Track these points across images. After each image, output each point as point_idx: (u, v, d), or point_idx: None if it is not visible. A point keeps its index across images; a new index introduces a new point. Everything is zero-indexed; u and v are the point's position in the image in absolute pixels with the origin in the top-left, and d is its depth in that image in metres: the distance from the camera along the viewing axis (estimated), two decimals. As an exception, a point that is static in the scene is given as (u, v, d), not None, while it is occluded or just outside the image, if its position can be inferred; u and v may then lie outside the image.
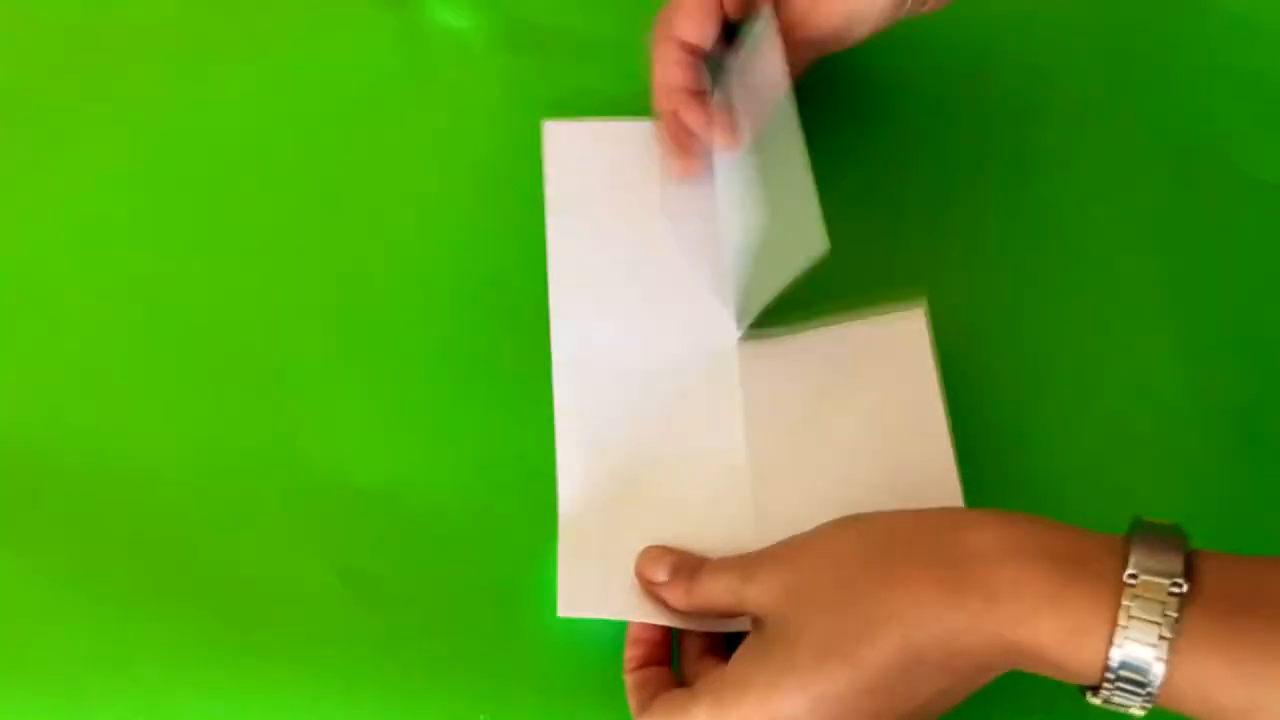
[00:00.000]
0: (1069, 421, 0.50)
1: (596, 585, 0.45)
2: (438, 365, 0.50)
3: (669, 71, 0.50)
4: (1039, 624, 0.35)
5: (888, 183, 0.55)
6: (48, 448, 0.48)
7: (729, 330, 0.50)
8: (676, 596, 0.43)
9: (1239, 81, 0.57)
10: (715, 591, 0.42)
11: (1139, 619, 0.34)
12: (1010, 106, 0.57)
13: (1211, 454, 0.49)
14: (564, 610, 0.44)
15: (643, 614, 0.44)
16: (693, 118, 0.50)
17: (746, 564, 0.41)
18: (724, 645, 0.43)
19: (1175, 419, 0.50)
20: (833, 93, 0.56)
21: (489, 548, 0.47)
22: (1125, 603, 0.34)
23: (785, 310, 0.48)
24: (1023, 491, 0.48)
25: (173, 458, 0.48)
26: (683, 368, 0.49)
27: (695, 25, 0.49)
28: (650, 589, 0.44)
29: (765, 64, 0.48)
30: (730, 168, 0.50)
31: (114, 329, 0.51)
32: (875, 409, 0.48)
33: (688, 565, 0.43)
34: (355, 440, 0.49)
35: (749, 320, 0.50)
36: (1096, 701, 0.36)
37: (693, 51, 0.50)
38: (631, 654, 0.44)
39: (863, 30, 0.49)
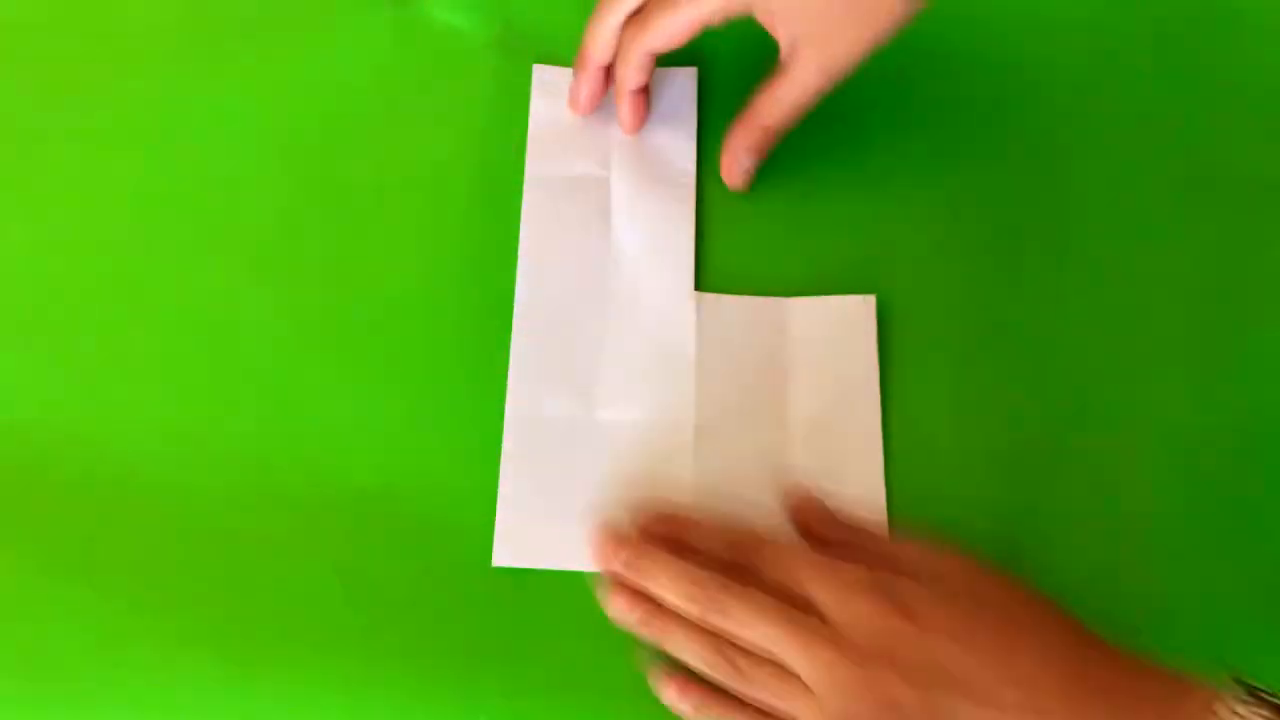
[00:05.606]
0: (1065, 425, 0.50)
1: (535, 536, 0.47)
2: (438, 364, 0.50)
3: (629, 76, 0.52)
4: None
5: (880, 183, 0.55)
6: (47, 447, 0.48)
7: (688, 283, 0.52)
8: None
9: (1241, 80, 0.57)
10: None
11: None
12: (1009, 107, 0.57)
13: (1214, 458, 0.49)
14: (499, 559, 0.46)
15: (580, 562, 0.45)
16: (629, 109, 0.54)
17: None
18: None
19: (1177, 423, 0.50)
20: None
21: (490, 548, 0.47)
22: None
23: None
24: (1021, 497, 0.48)
25: (171, 458, 0.48)
26: (640, 319, 0.51)
27: (669, 40, 0.51)
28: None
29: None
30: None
31: (110, 328, 0.51)
32: (816, 384, 0.50)
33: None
34: (355, 440, 0.49)
35: None
36: None
37: (653, 57, 0.52)
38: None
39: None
